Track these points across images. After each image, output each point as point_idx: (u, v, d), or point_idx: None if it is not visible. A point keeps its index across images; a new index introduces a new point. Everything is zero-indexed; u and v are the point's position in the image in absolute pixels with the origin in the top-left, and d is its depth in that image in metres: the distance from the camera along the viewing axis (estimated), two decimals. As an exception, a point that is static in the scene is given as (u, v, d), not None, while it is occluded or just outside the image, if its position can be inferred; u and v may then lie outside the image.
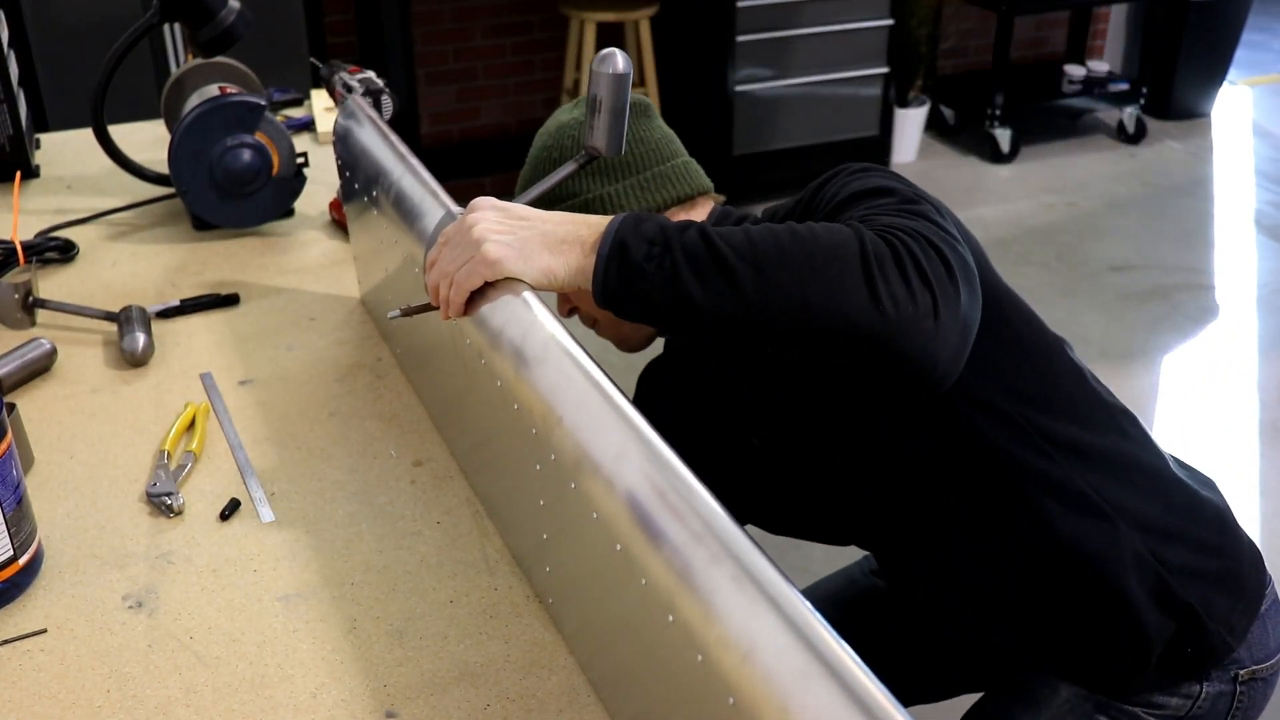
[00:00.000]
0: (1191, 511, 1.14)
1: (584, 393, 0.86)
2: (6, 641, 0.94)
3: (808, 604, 0.69)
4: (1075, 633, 1.10)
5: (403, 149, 1.24)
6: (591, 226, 0.93)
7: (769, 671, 0.66)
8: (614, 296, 0.91)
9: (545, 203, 1.11)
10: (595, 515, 0.84)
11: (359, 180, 1.32)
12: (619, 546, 0.80)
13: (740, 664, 0.68)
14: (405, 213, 1.15)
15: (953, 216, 1.04)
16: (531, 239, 0.94)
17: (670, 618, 0.75)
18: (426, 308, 1.01)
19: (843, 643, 0.65)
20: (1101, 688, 1.12)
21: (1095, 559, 1.06)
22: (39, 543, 1.01)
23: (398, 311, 1.03)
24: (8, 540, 0.96)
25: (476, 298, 0.96)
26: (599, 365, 0.88)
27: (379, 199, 1.24)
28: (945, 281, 0.89)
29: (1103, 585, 1.07)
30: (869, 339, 0.88)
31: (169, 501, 1.08)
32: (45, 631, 0.95)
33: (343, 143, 1.36)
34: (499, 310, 0.95)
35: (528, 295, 0.94)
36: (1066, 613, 1.09)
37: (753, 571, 0.71)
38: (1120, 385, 3.27)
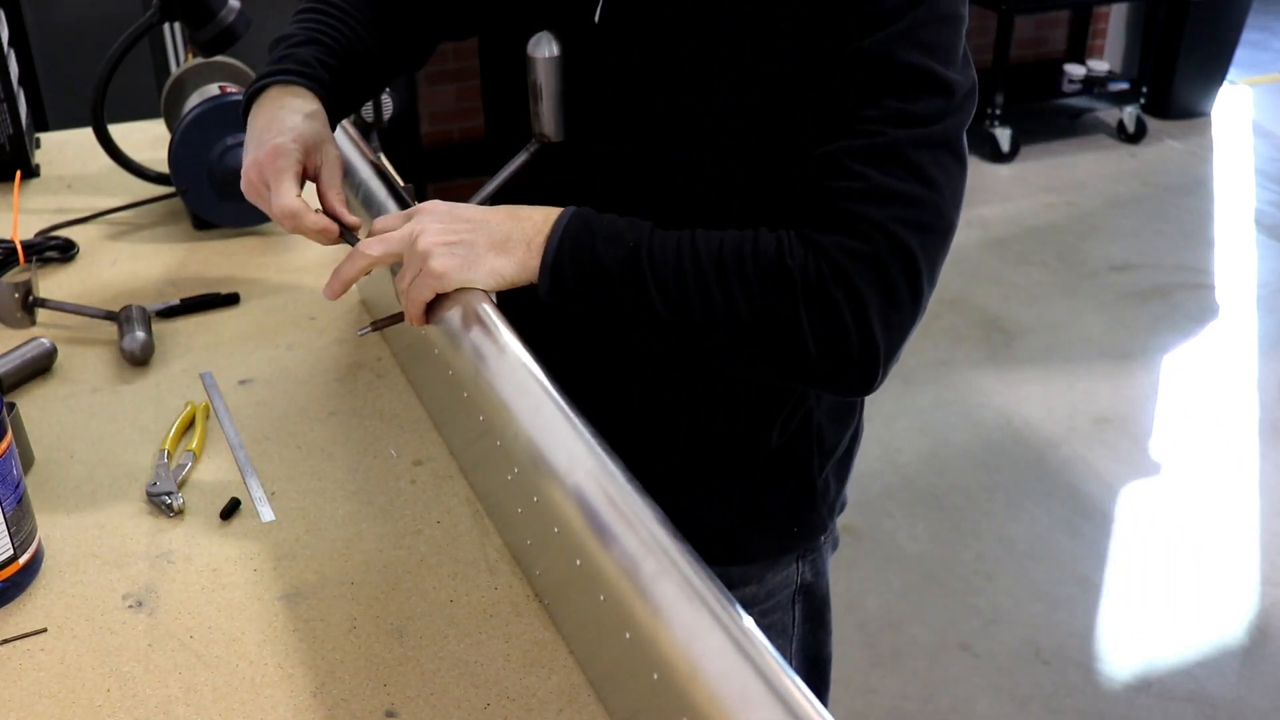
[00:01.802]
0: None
1: (539, 402, 0.88)
2: (6, 641, 0.94)
3: (750, 621, 0.70)
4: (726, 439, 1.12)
5: (366, 151, 1.25)
6: (536, 223, 0.94)
7: (714, 693, 0.67)
8: (557, 306, 0.94)
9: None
10: (556, 529, 0.85)
11: None
12: (579, 562, 0.82)
13: (688, 683, 0.69)
14: (373, 218, 1.16)
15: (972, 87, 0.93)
16: (477, 243, 0.94)
17: (627, 634, 0.76)
18: (394, 320, 1.02)
19: (786, 665, 0.67)
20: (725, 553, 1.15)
21: (765, 397, 1.08)
22: (39, 542, 1.01)
23: (368, 327, 1.05)
24: (8, 540, 0.96)
25: (437, 305, 0.97)
26: (549, 372, 0.90)
27: (350, 202, 1.24)
28: (892, 327, 0.89)
29: (752, 425, 1.09)
30: (799, 381, 0.95)
31: (169, 501, 1.08)
32: (45, 631, 0.95)
33: None
34: (457, 319, 0.96)
35: (484, 305, 0.94)
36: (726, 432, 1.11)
37: (697, 588, 0.72)
38: (1120, 385, 3.28)
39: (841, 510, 1.24)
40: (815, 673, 1.26)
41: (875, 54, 0.88)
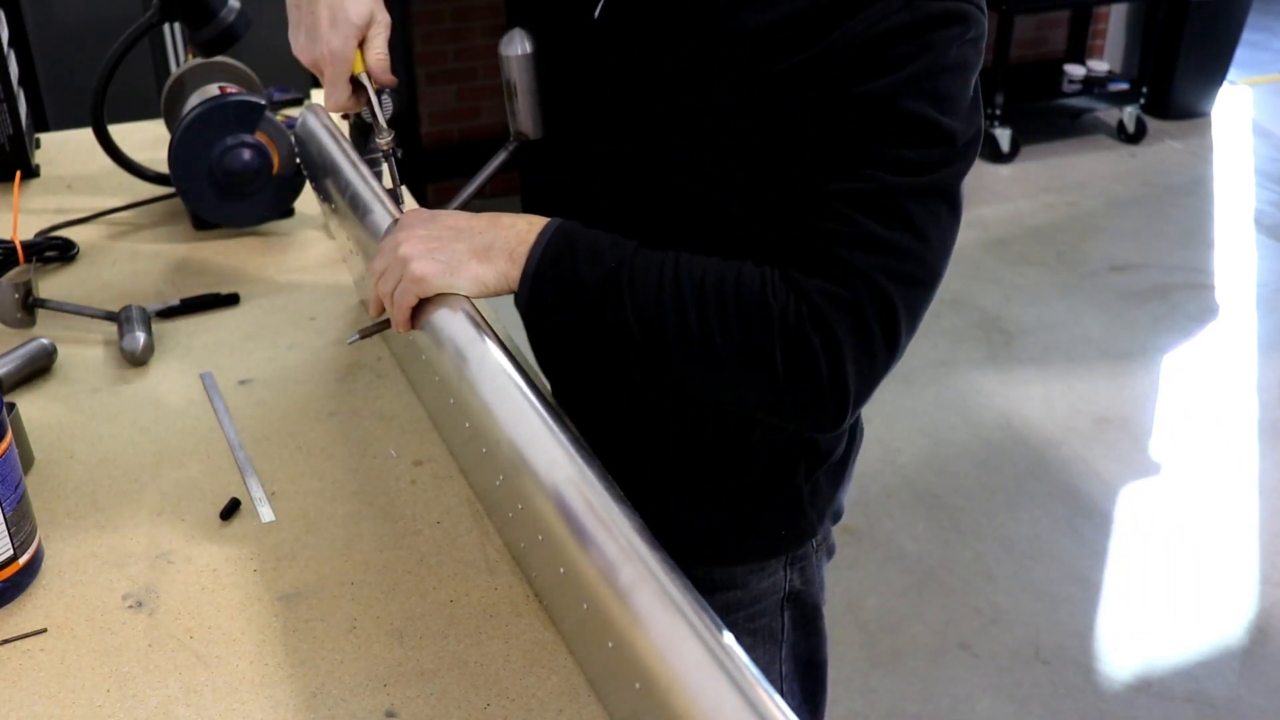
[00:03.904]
0: None
1: (519, 408, 0.88)
2: (6, 641, 0.94)
3: (725, 631, 0.70)
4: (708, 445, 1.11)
5: (354, 155, 1.25)
6: (519, 232, 0.95)
7: (691, 703, 0.67)
8: (534, 316, 0.95)
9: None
10: (540, 537, 0.85)
11: (320, 186, 1.32)
12: (562, 569, 0.82)
13: (666, 693, 0.69)
14: (360, 220, 1.16)
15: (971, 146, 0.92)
16: (459, 250, 0.95)
17: (610, 643, 0.76)
18: (381, 326, 1.03)
19: (762, 676, 0.67)
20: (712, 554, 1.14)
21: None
22: (39, 542, 1.01)
23: (356, 335, 1.05)
24: (8, 540, 0.96)
25: (420, 311, 0.98)
26: (529, 377, 0.90)
27: (338, 205, 1.25)
28: (865, 374, 0.89)
29: (735, 429, 1.08)
30: (764, 415, 0.95)
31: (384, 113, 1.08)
32: (45, 631, 0.95)
33: (302, 149, 1.37)
34: (441, 325, 0.96)
35: (466, 309, 0.95)
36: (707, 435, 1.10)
37: (673, 596, 0.72)
38: (1120, 385, 3.28)
39: (838, 518, 1.23)
40: (810, 677, 1.25)
41: (879, 99, 0.87)
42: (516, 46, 1.02)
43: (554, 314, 0.94)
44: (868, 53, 0.86)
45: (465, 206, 1.05)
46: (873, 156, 0.87)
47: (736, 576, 1.16)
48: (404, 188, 1.18)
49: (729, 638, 0.70)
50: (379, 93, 1.08)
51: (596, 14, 0.98)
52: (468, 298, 0.96)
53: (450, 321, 0.96)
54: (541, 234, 0.94)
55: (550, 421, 0.86)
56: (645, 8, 0.96)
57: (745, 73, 0.92)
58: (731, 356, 0.90)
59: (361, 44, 1.07)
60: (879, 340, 0.88)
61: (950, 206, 0.90)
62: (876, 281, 0.87)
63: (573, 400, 1.17)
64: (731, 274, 0.90)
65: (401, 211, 1.06)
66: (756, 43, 0.90)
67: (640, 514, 0.80)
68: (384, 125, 1.07)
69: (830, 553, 1.24)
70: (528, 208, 1.10)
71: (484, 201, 1.04)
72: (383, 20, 1.07)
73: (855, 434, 1.19)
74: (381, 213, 1.13)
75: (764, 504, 1.13)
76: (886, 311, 0.88)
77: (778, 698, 0.66)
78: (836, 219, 0.88)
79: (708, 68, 0.94)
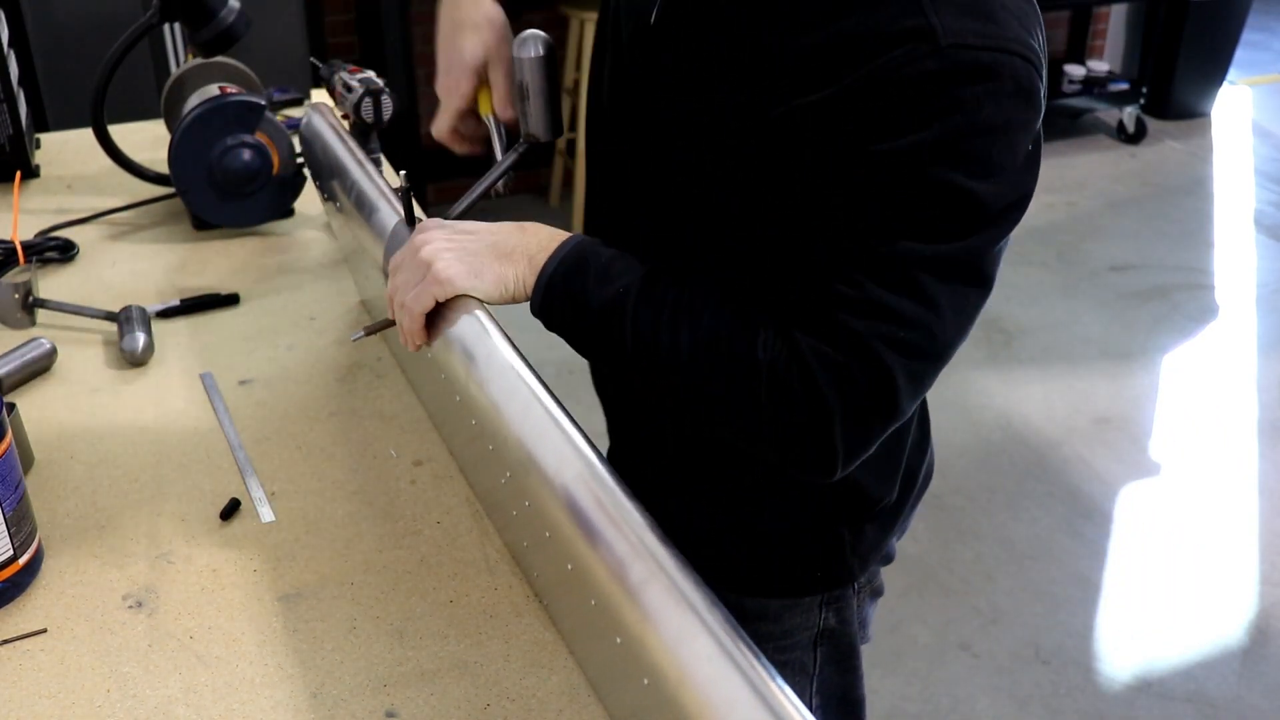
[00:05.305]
0: (896, 442, 1.08)
1: (527, 406, 0.88)
2: (6, 641, 0.94)
3: (736, 625, 0.70)
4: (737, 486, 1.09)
5: (359, 154, 1.25)
6: (541, 240, 0.95)
7: (702, 698, 0.67)
8: (544, 323, 0.96)
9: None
10: (548, 534, 0.85)
11: (325, 185, 1.33)
12: (570, 566, 0.82)
13: (677, 688, 0.69)
14: (365, 219, 1.17)
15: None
16: (481, 251, 0.95)
17: (618, 639, 0.76)
18: (386, 324, 1.03)
19: (775, 672, 0.67)
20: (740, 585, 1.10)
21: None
22: (39, 543, 1.01)
23: (361, 333, 1.05)
24: (8, 540, 0.96)
25: (434, 319, 0.98)
26: (539, 377, 0.90)
27: (343, 205, 1.25)
28: (855, 436, 0.87)
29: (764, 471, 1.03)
30: (753, 453, 0.93)
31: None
32: (45, 631, 0.95)
33: (307, 148, 1.37)
34: (448, 322, 0.97)
35: (478, 311, 0.95)
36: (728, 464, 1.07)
37: (685, 592, 0.72)
38: (1120, 385, 3.28)
39: (889, 561, 1.18)
40: (845, 712, 1.20)
41: (899, 159, 0.81)
42: (530, 49, 1.03)
43: (563, 326, 0.95)
44: (891, 100, 0.81)
45: (472, 208, 1.06)
46: (890, 219, 0.83)
47: (768, 610, 1.13)
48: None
49: (740, 633, 0.70)
50: (499, 126, 1.14)
51: (652, 19, 0.97)
52: (480, 301, 0.96)
53: (457, 319, 0.96)
54: (561, 245, 0.94)
55: (559, 418, 0.86)
56: (695, 19, 0.94)
57: (745, 71, 0.90)
58: (717, 399, 0.90)
59: (487, 82, 1.12)
60: (868, 408, 0.86)
61: (969, 276, 0.86)
62: (871, 348, 0.83)
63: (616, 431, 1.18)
64: (732, 318, 0.89)
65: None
66: (791, 68, 0.87)
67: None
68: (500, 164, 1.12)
69: (877, 594, 1.19)
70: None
71: (497, 200, 1.05)
72: (500, 58, 1.11)
73: (917, 478, 1.15)
74: (387, 210, 1.13)
75: (798, 543, 1.10)
76: (881, 380, 0.84)
77: (789, 691, 0.65)
78: (842, 279, 0.84)
79: (706, 67, 0.93)
